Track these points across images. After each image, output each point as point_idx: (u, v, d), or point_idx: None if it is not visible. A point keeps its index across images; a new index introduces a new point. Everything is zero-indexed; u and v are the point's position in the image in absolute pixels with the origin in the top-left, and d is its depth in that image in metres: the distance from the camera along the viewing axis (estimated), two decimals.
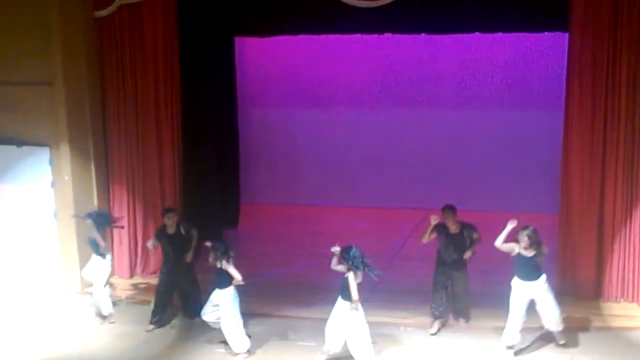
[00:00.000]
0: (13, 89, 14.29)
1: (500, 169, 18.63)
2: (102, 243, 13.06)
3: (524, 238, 11.43)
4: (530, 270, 11.55)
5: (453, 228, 12.36)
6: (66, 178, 14.24)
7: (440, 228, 12.35)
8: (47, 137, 14.27)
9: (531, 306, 11.63)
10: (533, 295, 11.62)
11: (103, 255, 13.12)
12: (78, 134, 14.35)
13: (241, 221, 17.76)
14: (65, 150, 14.19)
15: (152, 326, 12.91)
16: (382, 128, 19.32)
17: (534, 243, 11.43)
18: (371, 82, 19.16)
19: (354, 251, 11.24)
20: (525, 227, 11.50)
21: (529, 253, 11.47)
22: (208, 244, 12.04)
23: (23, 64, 14.18)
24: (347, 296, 11.24)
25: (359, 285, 11.22)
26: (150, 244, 13.16)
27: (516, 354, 11.71)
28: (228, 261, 11.77)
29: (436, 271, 12.58)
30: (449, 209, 12.39)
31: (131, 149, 14.82)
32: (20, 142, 14.35)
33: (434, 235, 12.39)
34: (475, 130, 18.74)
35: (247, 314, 13.13)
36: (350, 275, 11.17)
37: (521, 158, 18.45)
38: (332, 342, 11.46)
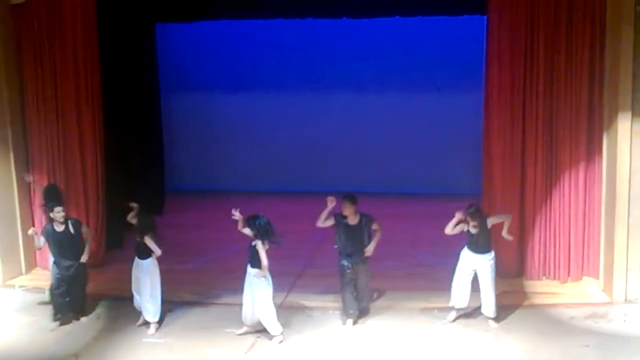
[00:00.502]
0: None
1: (423, 152, 18.81)
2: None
3: (471, 217, 11.88)
4: (480, 244, 12.00)
5: (351, 219, 12.03)
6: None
7: (339, 218, 12.03)
8: None
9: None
10: (477, 267, 12.08)
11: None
12: None
13: (166, 208, 17.65)
14: None
15: (56, 323, 12.49)
16: (306, 112, 19.39)
17: (479, 218, 11.89)
18: (294, 66, 19.17)
19: (260, 219, 11.56)
20: (470, 207, 11.95)
21: (476, 229, 11.90)
22: (134, 204, 12.24)
23: None
24: (256, 264, 11.50)
25: (267, 252, 11.49)
26: (37, 242, 12.41)
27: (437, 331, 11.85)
28: (151, 237, 11.99)
29: (341, 268, 12.13)
30: (348, 198, 12.00)
31: (51, 138, 14.59)
32: None
33: (329, 223, 12.07)
34: (399, 113, 18.89)
35: (176, 302, 13.14)
36: (259, 243, 11.42)
37: (444, 140, 18.65)
38: (246, 312, 11.84)
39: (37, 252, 14.55)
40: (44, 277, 14.44)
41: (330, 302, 12.88)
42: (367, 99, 18.97)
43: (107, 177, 15.02)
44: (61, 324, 12.51)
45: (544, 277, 13.75)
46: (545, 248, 13.66)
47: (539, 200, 13.50)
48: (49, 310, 12.88)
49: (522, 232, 13.67)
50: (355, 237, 12.03)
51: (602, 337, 11.67)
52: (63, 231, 12.29)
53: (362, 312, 12.46)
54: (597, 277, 13.49)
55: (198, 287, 13.43)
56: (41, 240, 12.34)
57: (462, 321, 12.17)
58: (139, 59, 16.81)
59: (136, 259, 12.30)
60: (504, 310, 12.54)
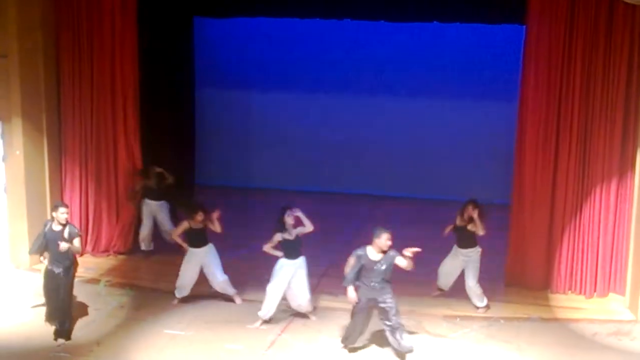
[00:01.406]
0: None
1: (454, 159, 18.72)
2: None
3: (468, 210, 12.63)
4: (467, 239, 12.72)
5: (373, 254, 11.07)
6: (17, 153, 14.05)
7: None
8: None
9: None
10: (463, 259, 12.71)
11: None
12: (31, 108, 14.16)
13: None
14: (17, 124, 14.00)
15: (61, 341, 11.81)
16: (340, 113, 19.34)
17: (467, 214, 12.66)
18: (330, 67, 19.13)
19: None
20: (469, 202, 12.72)
21: (462, 223, 12.67)
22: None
23: None
24: (295, 255, 12.18)
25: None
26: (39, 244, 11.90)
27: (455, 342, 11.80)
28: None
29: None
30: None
31: (85, 125, 14.67)
32: None
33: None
34: (432, 120, 18.82)
35: (198, 296, 13.18)
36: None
37: (475, 148, 18.55)
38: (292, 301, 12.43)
39: None
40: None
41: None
42: (400, 103, 18.90)
43: (138, 168, 15.07)
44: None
45: (569, 292, 13.66)
46: (573, 262, 13.57)
47: (569, 213, 13.41)
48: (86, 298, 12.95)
49: (550, 244, 13.59)
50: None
51: (624, 355, 11.59)
52: (58, 232, 11.55)
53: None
54: (623, 294, 13.39)
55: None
56: (41, 240, 11.77)
57: (484, 332, 12.09)
58: (175, 51, 16.83)
59: (194, 250, 12.79)
60: (528, 323, 12.49)
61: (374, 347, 11.69)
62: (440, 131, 18.81)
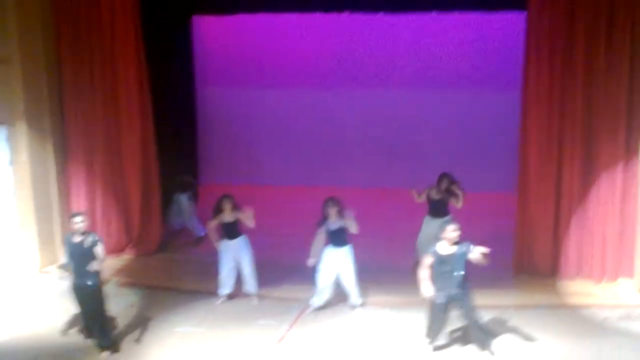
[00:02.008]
0: None
1: (458, 149, 18.74)
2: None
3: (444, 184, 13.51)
4: (441, 209, 13.56)
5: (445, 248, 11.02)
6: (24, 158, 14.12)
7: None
8: (3, 115, 14.08)
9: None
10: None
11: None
12: (35, 112, 14.21)
13: (200, 202, 17.70)
14: (22, 128, 14.05)
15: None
16: (340, 108, 19.37)
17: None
18: (330, 62, 19.16)
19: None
20: (444, 176, 13.65)
21: (438, 195, 13.55)
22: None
23: None
24: (342, 243, 12.36)
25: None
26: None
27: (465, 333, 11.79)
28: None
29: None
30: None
31: (89, 127, 14.71)
32: None
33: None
34: (434, 111, 18.85)
35: (208, 293, 13.23)
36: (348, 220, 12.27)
37: (479, 137, 18.58)
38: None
39: None
40: None
41: (368, 297, 12.89)
42: (399, 95, 18.92)
43: (143, 167, 15.07)
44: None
45: (578, 277, 13.66)
46: (581, 248, 13.58)
47: (575, 199, 13.42)
48: None
49: (557, 231, 13.59)
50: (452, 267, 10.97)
51: (635, 339, 11.58)
52: (78, 243, 11.21)
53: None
54: (632, 277, 13.38)
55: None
56: (65, 252, 11.49)
57: (494, 320, 12.10)
58: (175, 50, 16.88)
59: (228, 242, 12.82)
60: (537, 310, 12.51)
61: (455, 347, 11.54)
62: (444, 122, 18.83)
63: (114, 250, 15.02)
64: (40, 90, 14.30)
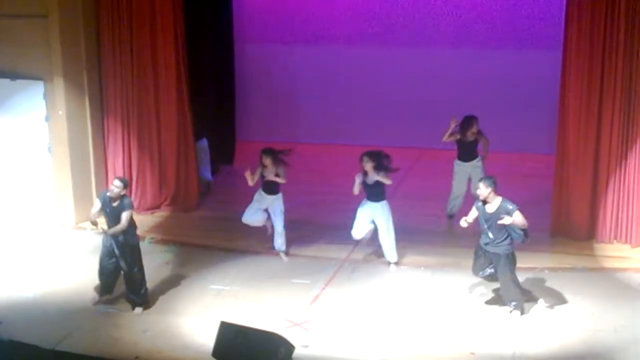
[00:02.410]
0: (7, 21, 14.10)
1: (496, 109, 18.52)
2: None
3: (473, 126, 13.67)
4: (470, 151, 13.82)
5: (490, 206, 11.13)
6: (60, 113, 14.15)
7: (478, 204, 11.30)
8: (41, 70, 14.12)
9: None
10: (470, 172, 13.62)
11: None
12: (72, 68, 14.20)
13: (237, 158, 17.74)
14: (59, 84, 14.06)
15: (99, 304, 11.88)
16: (381, 66, 19.19)
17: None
18: (370, 20, 18.96)
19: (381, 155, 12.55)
20: (472, 118, 13.73)
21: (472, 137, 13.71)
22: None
23: None
24: (379, 198, 12.49)
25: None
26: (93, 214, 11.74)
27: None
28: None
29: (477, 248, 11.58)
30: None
31: (126, 84, 14.69)
32: (14, 76, 14.22)
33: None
34: (473, 70, 18.61)
35: (242, 251, 13.29)
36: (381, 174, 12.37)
37: (518, 98, 18.36)
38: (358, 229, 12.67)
39: None
40: None
41: (403, 258, 12.87)
42: (441, 53, 18.72)
43: (180, 125, 15.08)
44: (101, 302, 11.88)
45: (615, 241, 13.52)
46: (618, 211, 13.41)
47: (614, 162, 13.24)
48: None
49: (595, 194, 13.45)
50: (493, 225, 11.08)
51: None
52: (116, 206, 11.37)
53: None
54: None
55: (266, 237, 13.47)
56: (97, 204, 11.67)
57: (529, 283, 12.05)
58: (213, 7, 16.79)
59: (263, 194, 12.94)
60: (573, 273, 12.43)
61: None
62: (482, 82, 18.62)
63: (150, 207, 15.08)
64: (78, 47, 14.28)
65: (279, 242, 13.11)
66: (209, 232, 14.25)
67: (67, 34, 14.05)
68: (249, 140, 18.65)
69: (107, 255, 11.54)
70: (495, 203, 11.00)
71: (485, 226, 11.08)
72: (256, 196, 13.05)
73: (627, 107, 13.05)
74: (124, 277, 11.61)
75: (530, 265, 12.58)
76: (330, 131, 19.36)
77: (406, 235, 13.21)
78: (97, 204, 11.67)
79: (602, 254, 13.18)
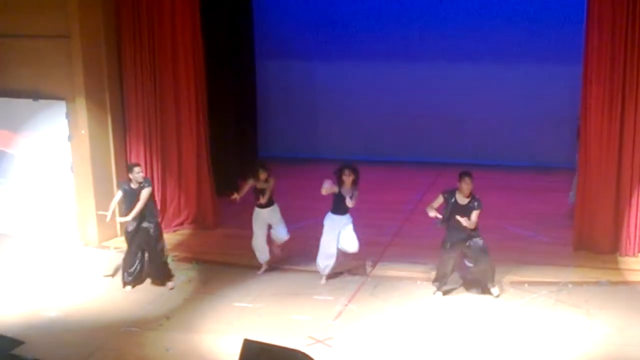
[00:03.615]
0: (30, 42, 14.25)
1: (518, 123, 18.52)
2: None
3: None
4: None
5: (462, 199, 11.83)
6: (83, 132, 14.24)
7: (448, 196, 11.95)
8: (63, 90, 14.23)
9: None
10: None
11: None
12: (94, 87, 14.29)
13: None
14: (81, 103, 14.16)
15: (128, 287, 12.79)
16: (402, 81, 19.23)
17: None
18: (390, 35, 19.00)
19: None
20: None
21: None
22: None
23: (40, 17, 14.11)
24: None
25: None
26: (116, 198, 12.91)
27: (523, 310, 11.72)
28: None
29: (443, 248, 12.17)
30: (468, 175, 11.82)
31: (148, 102, 14.75)
32: (36, 96, 14.33)
33: (439, 203, 12.07)
34: (493, 84, 18.62)
35: (268, 269, 13.28)
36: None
37: (539, 112, 18.33)
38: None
39: None
40: None
41: (419, 273, 12.84)
42: (462, 68, 18.72)
43: (202, 142, 15.13)
44: (130, 286, 12.79)
45: (639, 254, 13.44)
46: None
47: (637, 175, 13.17)
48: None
49: (618, 207, 13.38)
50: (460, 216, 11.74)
51: None
52: (135, 189, 12.48)
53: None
54: None
55: (287, 253, 13.48)
56: (119, 194, 12.73)
57: (553, 297, 12.00)
58: (235, 23, 16.87)
59: (258, 210, 13.10)
60: (597, 287, 12.37)
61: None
62: (503, 96, 18.61)
63: (172, 225, 15.13)
64: (100, 66, 14.38)
65: (279, 232, 13.26)
66: (231, 249, 14.26)
67: (89, 54, 14.15)
68: (271, 156, 18.72)
69: (132, 242, 12.63)
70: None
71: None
72: (254, 215, 13.20)
73: None
74: (149, 257, 12.68)
75: (554, 280, 12.55)
76: (351, 147, 19.38)
77: (429, 251, 13.18)
78: (118, 195, 12.74)
79: (626, 268, 13.11)
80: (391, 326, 11.38)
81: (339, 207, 12.54)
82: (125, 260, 12.82)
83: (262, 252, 13.25)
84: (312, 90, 19.80)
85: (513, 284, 12.52)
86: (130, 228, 12.63)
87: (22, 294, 12.62)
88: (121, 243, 14.38)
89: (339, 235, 12.60)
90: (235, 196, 12.98)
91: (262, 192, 12.95)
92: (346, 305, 12.05)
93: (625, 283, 12.60)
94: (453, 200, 11.85)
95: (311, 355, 9.05)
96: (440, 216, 11.86)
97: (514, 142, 18.32)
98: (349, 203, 12.33)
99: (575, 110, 13.76)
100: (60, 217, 14.66)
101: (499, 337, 10.97)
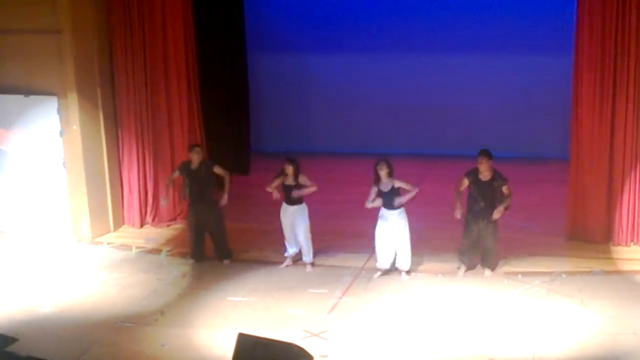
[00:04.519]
0: (21, 37, 14.20)
1: (510, 115, 18.54)
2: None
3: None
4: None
5: (484, 175, 12.17)
6: (74, 127, 14.21)
7: (471, 174, 12.25)
8: (54, 86, 14.20)
9: None
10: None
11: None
12: (86, 83, 14.27)
13: (252, 168, 17.77)
14: (73, 99, 14.14)
15: (191, 260, 13.47)
16: (394, 74, 19.22)
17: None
18: (382, 28, 19.00)
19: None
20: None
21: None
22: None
23: (31, 12, 14.08)
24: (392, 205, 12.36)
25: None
26: (170, 177, 13.63)
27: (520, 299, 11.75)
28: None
29: (465, 221, 12.45)
30: (484, 154, 12.14)
31: (139, 97, 14.75)
32: (27, 91, 14.30)
33: (465, 185, 12.33)
34: (485, 76, 18.64)
35: (257, 262, 13.29)
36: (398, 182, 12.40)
37: (531, 103, 18.36)
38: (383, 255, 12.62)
39: (125, 210, 14.93)
40: (131, 234, 14.78)
41: (413, 265, 12.84)
42: (454, 60, 18.72)
43: (194, 137, 15.12)
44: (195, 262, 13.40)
45: (632, 243, 13.49)
46: (634, 213, 13.39)
47: (628, 164, 13.22)
48: (136, 266, 13.24)
49: (610, 197, 13.42)
50: (486, 193, 12.20)
51: None
52: (196, 169, 13.05)
53: (485, 264, 12.68)
54: None
55: (282, 247, 13.48)
56: (176, 173, 13.42)
57: (546, 287, 12.03)
58: (226, 17, 16.84)
59: (286, 206, 12.93)
60: (590, 277, 12.39)
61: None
62: (495, 87, 18.63)
63: (165, 220, 15.14)
64: (91, 61, 14.36)
65: (304, 252, 13.16)
66: None
67: (80, 50, 14.13)
68: (263, 151, 18.73)
69: (195, 221, 13.22)
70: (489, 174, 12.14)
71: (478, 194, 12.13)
72: (281, 211, 13.07)
73: None
74: (213, 235, 13.29)
75: (547, 270, 12.59)
76: (344, 140, 19.39)
77: (423, 243, 13.22)
78: (175, 174, 13.48)
79: (619, 257, 13.15)
80: (386, 319, 11.38)
81: (387, 202, 12.43)
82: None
83: (288, 246, 13.21)
84: (304, 84, 19.79)
85: (507, 274, 12.55)
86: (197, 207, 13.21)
87: (15, 291, 12.59)
88: (114, 238, 14.44)
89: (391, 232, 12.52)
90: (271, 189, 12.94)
91: (290, 189, 12.81)
92: (340, 298, 12.05)
93: (619, 272, 12.63)
94: (475, 178, 12.17)
95: (306, 348, 9.08)
96: (462, 212, 12.29)
97: (505, 133, 18.31)
98: (407, 186, 12.37)
99: (567, 102, 13.74)
100: (53, 213, 14.63)
101: (493, 328, 10.98)
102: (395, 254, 12.61)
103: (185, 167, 13.22)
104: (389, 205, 12.40)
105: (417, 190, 12.29)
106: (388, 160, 12.48)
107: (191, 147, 13.31)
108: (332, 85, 19.66)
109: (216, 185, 13.41)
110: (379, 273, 12.70)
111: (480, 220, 12.28)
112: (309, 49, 19.49)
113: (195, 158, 13.05)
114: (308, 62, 19.68)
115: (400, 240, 12.51)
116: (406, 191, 12.36)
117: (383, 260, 12.64)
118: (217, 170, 13.19)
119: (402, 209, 12.46)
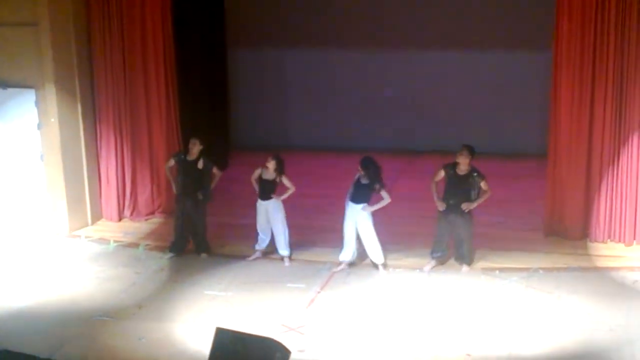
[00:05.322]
0: None
1: (488, 111, 18.59)
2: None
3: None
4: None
5: (461, 169, 12.22)
6: (52, 120, 14.14)
7: (448, 167, 12.31)
8: (32, 78, 14.12)
9: None
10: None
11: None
12: (64, 75, 14.20)
13: (231, 163, 17.73)
14: (51, 91, 14.06)
15: (170, 254, 13.44)
16: (372, 69, 19.24)
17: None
18: (362, 23, 18.99)
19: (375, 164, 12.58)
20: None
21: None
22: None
23: (7, 4, 14.00)
24: (362, 200, 12.39)
25: None
26: (167, 166, 13.56)
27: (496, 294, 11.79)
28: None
29: (439, 214, 12.48)
30: (467, 149, 12.21)
31: (118, 90, 14.70)
32: (5, 84, 14.21)
33: (441, 176, 12.40)
34: (463, 71, 18.68)
35: (236, 256, 13.28)
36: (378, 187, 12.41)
37: (509, 99, 18.41)
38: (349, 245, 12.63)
39: (103, 203, 14.87)
40: (109, 228, 14.73)
41: (391, 260, 12.87)
42: (433, 55, 18.76)
43: (172, 130, 15.09)
44: (174, 256, 13.38)
45: (608, 240, 13.55)
46: (611, 210, 13.45)
47: (606, 161, 13.29)
48: (114, 260, 13.15)
49: (588, 193, 13.48)
50: (460, 188, 12.23)
51: None
52: (192, 161, 13.03)
53: (461, 259, 12.72)
54: None
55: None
56: (171, 161, 13.37)
57: (523, 283, 12.08)
58: (205, 11, 16.80)
59: (260, 202, 12.97)
60: (567, 273, 12.44)
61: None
62: (472, 83, 18.67)
63: (143, 213, 15.10)
64: (69, 53, 14.29)
65: (280, 246, 13.15)
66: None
67: (58, 42, 14.05)
68: (243, 146, 18.70)
69: (182, 214, 13.24)
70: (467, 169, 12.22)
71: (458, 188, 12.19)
72: (257, 205, 13.10)
73: (619, 106, 13.11)
74: (194, 228, 13.30)
75: (524, 266, 12.64)
76: (323, 136, 19.40)
77: (401, 238, 13.24)
78: (171, 162, 13.41)
79: (596, 253, 13.22)
80: (363, 314, 11.39)
81: (356, 195, 12.50)
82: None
83: (261, 240, 13.24)
84: (283, 79, 19.78)
85: (484, 270, 12.59)
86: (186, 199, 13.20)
87: None
88: (92, 232, 14.38)
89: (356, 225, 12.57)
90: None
91: (267, 183, 12.87)
92: (319, 292, 12.06)
93: (595, 269, 12.69)
94: (452, 172, 12.20)
95: (284, 343, 9.07)
96: (444, 205, 12.26)
97: (483, 128, 18.36)
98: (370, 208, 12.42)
99: (546, 98, 13.79)
100: (30, 206, 14.55)
101: (470, 324, 11.01)
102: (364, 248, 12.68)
103: (179, 157, 13.27)
104: (355, 199, 12.47)
105: (388, 201, 12.31)
106: (372, 160, 12.57)
107: (191, 138, 13.25)
108: (310, 81, 19.65)
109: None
110: (342, 265, 12.73)
111: (452, 214, 12.31)
112: (288, 45, 19.47)
113: (195, 149, 13.03)
114: (287, 58, 19.67)
115: (364, 233, 12.52)
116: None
117: (345, 252, 12.68)
118: (215, 171, 13.20)
119: (366, 204, 12.48)
